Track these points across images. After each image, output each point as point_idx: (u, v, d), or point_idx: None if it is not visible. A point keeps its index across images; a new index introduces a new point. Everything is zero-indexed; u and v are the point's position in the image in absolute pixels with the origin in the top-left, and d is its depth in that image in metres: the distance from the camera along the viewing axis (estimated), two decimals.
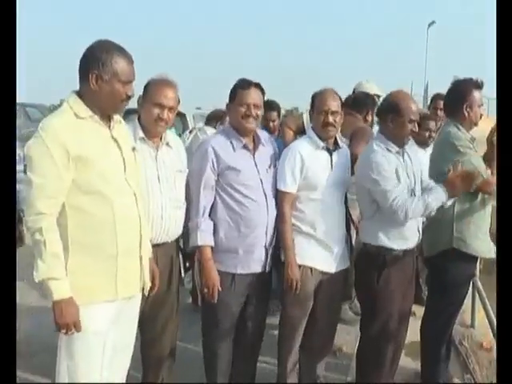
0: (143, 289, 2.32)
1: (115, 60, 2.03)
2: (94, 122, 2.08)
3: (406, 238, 2.81)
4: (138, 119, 2.66)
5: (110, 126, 2.14)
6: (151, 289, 2.45)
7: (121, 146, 2.17)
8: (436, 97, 4.61)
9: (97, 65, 2.02)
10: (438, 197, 2.72)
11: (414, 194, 2.81)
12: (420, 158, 3.05)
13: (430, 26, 32.60)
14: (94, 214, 2.04)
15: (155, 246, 2.59)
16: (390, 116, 2.77)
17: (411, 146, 2.97)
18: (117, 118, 2.20)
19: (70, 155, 1.96)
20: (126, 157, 2.19)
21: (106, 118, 2.14)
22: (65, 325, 2.00)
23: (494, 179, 2.95)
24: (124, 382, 2.36)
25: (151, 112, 2.57)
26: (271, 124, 4.30)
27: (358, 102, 3.37)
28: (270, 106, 4.12)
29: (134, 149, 2.30)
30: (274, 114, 4.35)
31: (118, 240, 2.10)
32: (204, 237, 2.69)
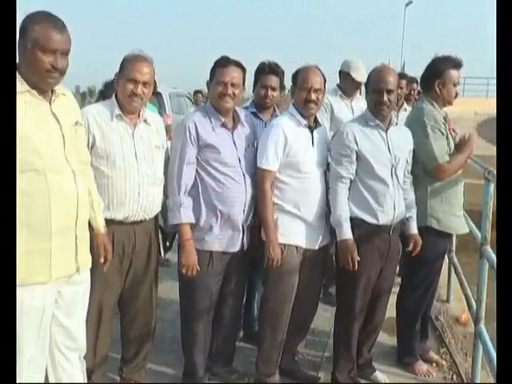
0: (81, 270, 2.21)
1: (37, 27, 1.94)
2: (32, 96, 1.99)
3: (377, 212, 2.79)
4: (116, 96, 2.61)
5: (50, 101, 2.06)
6: (105, 263, 2.41)
7: (60, 121, 2.08)
8: (412, 80, 5.23)
9: (22, 34, 1.95)
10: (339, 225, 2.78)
11: (395, 171, 2.81)
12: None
13: (407, 5, 32.61)
14: (28, 193, 1.95)
15: (133, 224, 2.58)
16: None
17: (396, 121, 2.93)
18: (59, 91, 2.11)
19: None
20: (66, 132, 2.10)
21: (47, 92, 2.05)
22: None
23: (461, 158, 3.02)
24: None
25: (125, 88, 2.54)
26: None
27: None
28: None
29: (77, 123, 2.21)
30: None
31: (53, 219, 2.01)
32: (186, 214, 2.66)
